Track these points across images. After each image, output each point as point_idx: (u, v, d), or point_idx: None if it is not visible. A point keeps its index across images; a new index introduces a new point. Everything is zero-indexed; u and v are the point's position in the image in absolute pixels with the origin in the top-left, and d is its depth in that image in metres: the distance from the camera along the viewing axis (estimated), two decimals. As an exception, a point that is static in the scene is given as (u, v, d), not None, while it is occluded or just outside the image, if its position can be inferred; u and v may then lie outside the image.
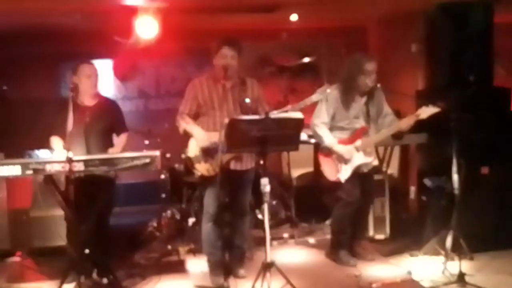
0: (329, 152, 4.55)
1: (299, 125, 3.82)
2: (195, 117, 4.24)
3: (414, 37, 5.78)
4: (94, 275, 4.08)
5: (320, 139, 4.56)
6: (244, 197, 4.35)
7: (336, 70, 4.81)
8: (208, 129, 4.16)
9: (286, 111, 3.84)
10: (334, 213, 4.73)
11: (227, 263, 4.32)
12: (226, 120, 3.72)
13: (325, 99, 4.45)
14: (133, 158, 3.79)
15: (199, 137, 4.15)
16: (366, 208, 4.82)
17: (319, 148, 4.67)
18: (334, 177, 4.57)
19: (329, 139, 4.52)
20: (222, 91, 4.20)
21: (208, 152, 4.13)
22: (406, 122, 4.41)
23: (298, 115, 3.79)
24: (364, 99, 4.54)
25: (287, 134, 3.81)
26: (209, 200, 4.24)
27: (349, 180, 4.52)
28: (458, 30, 5.00)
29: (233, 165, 4.18)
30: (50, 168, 3.74)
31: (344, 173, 4.52)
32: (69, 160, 3.68)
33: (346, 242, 4.70)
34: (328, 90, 4.18)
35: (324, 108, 4.51)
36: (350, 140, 4.54)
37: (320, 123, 4.52)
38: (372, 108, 4.57)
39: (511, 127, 5.02)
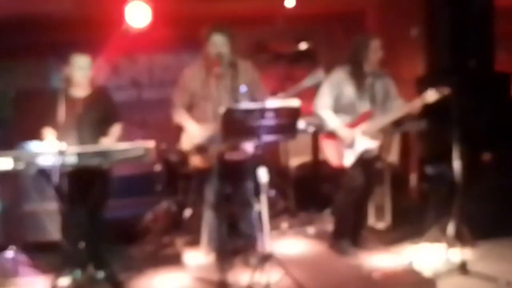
0: (332, 135, 4.42)
1: (296, 113, 3.76)
2: (189, 107, 4.16)
3: (413, 22, 5.68)
4: (90, 269, 4.01)
5: (323, 122, 4.44)
6: (245, 187, 4.27)
7: (334, 56, 4.72)
8: (202, 120, 4.09)
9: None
10: (337, 200, 4.64)
11: (229, 252, 4.27)
12: (221, 110, 3.64)
13: (328, 81, 4.37)
14: (126, 150, 3.74)
15: (193, 133, 4.10)
16: (367, 196, 4.72)
17: (322, 131, 4.54)
18: (337, 161, 4.44)
19: (333, 122, 4.39)
20: (215, 80, 4.12)
21: (201, 147, 4.07)
22: (413, 106, 4.31)
23: (295, 103, 3.72)
24: (370, 82, 4.43)
25: (284, 123, 3.74)
26: (208, 190, 4.20)
27: (352, 165, 4.41)
28: (458, 14, 4.93)
29: (228, 155, 4.09)
30: (43, 161, 3.66)
31: (348, 158, 4.41)
32: (62, 153, 3.61)
33: (348, 231, 4.61)
34: (320, 75, 4.10)
35: (327, 90, 4.40)
36: (355, 124, 4.42)
37: (323, 105, 4.40)
38: (379, 91, 4.45)
39: (512, 112, 4.95)
